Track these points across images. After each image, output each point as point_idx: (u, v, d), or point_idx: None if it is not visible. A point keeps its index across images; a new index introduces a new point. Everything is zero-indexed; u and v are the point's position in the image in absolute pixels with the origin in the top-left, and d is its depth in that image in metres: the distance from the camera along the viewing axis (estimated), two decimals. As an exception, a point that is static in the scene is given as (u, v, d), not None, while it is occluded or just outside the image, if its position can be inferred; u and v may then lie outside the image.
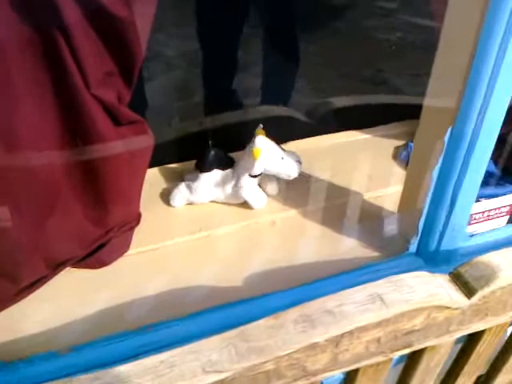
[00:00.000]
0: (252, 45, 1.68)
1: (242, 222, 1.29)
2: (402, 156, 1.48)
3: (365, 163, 1.46)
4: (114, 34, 0.95)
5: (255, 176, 1.27)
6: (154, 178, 1.40)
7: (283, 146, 1.34)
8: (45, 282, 1.11)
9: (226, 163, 1.30)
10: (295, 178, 1.30)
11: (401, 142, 1.56)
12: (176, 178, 1.38)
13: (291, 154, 1.28)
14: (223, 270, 1.17)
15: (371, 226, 1.30)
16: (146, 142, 1.11)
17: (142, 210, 1.24)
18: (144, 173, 1.16)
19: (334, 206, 1.34)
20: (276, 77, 1.73)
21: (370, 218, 1.32)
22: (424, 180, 1.14)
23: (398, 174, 1.44)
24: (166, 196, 1.34)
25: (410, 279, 0.84)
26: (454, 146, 1.02)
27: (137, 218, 1.23)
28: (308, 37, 1.83)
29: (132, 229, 1.21)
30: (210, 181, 1.29)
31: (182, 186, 1.31)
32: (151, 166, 1.35)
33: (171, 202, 1.32)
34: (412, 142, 1.48)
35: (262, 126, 1.26)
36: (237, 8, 1.55)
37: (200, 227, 1.26)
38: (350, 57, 2.05)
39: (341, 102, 1.68)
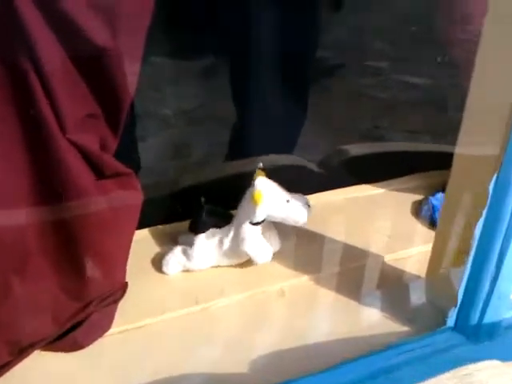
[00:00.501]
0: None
1: (245, 293, 1.10)
2: (423, 212, 1.32)
3: (382, 220, 1.30)
4: (96, 68, 0.80)
5: (257, 223, 1.10)
6: (143, 240, 1.22)
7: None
8: (7, 370, 0.90)
9: (223, 220, 1.13)
10: (306, 237, 1.13)
11: (418, 197, 1.41)
12: (169, 241, 1.20)
13: (298, 196, 1.12)
14: (224, 353, 0.97)
15: (396, 295, 1.12)
16: (133, 198, 0.93)
17: (128, 278, 1.05)
18: (131, 234, 0.98)
19: (351, 270, 1.17)
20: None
21: (394, 285, 1.15)
22: (460, 238, 0.98)
23: (421, 232, 1.29)
24: (157, 262, 1.15)
25: (480, 372, 0.65)
26: (500, 195, 0.86)
27: (122, 289, 1.03)
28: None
29: (116, 302, 1.01)
30: (207, 243, 1.12)
31: (178, 251, 1.13)
32: (141, 226, 1.18)
33: (164, 269, 1.13)
34: (432, 195, 1.33)
35: (261, 164, 1.09)
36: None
37: (196, 299, 1.07)
38: (344, 113, 1.94)
39: (346, 153, 1.53)
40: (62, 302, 0.95)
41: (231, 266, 1.16)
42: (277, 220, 1.12)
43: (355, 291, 1.11)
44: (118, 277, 1.01)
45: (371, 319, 1.06)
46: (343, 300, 1.09)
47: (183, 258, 1.12)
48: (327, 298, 1.11)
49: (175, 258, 1.12)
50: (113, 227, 0.93)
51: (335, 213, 1.33)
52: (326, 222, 1.27)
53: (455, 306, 0.97)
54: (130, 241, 0.99)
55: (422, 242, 1.23)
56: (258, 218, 1.08)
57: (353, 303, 1.09)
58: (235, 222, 1.12)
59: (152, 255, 1.18)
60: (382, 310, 1.07)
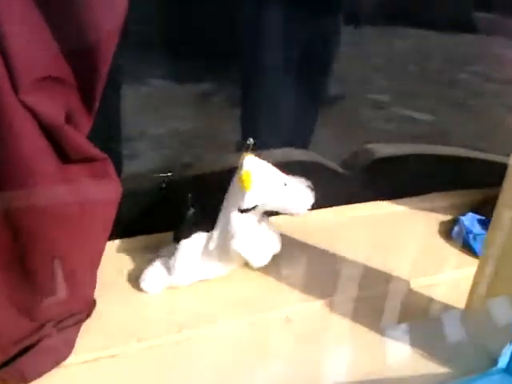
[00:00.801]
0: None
1: (241, 319, 0.89)
2: (454, 233, 1.13)
3: (407, 241, 1.11)
4: (65, 13, 0.62)
5: (247, 210, 0.88)
6: (118, 252, 1.02)
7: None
8: None
9: (212, 223, 0.92)
10: (319, 255, 0.93)
11: (445, 217, 1.22)
12: (149, 254, 0.99)
13: (296, 179, 0.91)
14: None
15: (427, 328, 0.92)
16: (108, 190, 0.74)
17: (97, 296, 0.85)
18: (104, 238, 0.79)
19: (372, 296, 0.96)
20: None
21: (424, 316, 0.94)
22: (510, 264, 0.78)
23: (452, 254, 1.10)
24: (134, 278, 0.95)
25: None
26: None
27: (88, 309, 0.83)
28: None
29: (78, 324, 0.81)
30: (192, 250, 0.91)
31: (158, 264, 0.93)
32: (116, 236, 0.98)
33: (143, 286, 0.92)
34: (463, 215, 1.15)
35: (251, 140, 0.87)
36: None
37: (180, 325, 0.86)
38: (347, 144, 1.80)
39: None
40: (10, 317, 0.75)
41: (224, 282, 0.95)
42: (272, 208, 0.91)
43: (377, 321, 0.91)
44: (83, 292, 0.81)
45: (399, 357, 0.85)
46: (362, 331, 0.89)
47: (164, 271, 0.91)
48: (343, 328, 0.90)
49: (155, 272, 0.92)
50: (79, 227, 0.73)
51: (353, 229, 1.14)
52: (342, 240, 1.08)
53: (509, 344, 0.77)
54: (102, 247, 0.79)
55: (454, 266, 1.05)
56: (247, 203, 0.87)
57: (374, 336, 0.88)
58: (222, 214, 0.91)
59: (128, 270, 0.98)
60: (412, 345, 0.87)
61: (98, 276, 0.85)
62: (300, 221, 1.11)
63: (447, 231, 1.16)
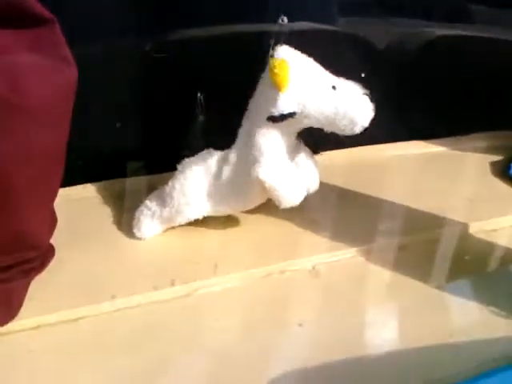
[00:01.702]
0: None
1: (254, 269, 0.66)
2: (511, 171, 0.90)
3: (458, 182, 0.89)
4: None
5: (281, 119, 0.63)
6: (94, 196, 0.79)
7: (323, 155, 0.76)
8: None
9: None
10: (352, 198, 0.70)
11: (495, 157, 0.99)
12: (133, 198, 0.77)
13: (349, 83, 0.65)
14: (217, 367, 0.54)
15: (496, 280, 0.69)
16: (58, 70, 0.51)
17: (61, 244, 0.62)
18: (61, 142, 0.55)
19: (421, 242, 0.74)
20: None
21: (488, 266, 0.72)
22: None
23: (513, 195, 0.86)
24: (128, 223, 0.72)
25: None
26: None
27: (42, 256, 0.60)
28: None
29: (27, 276, 0.58)
30: (199, 176, 0.68)
31: (151, 203, 0.70)
32: (101, 177, 0.80)
33: (136, 232, 0.70)
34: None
35: (285, 20, 0.63)
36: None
37: (173, 278, 0.63)
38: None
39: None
40: None
41: (232, 224, 0.73)
42: (316, 122, 0.64)
43: (430, 274, 0.69)
44: (32, 229, 0.57)
45: (465, 317, 0.63)
46: (412, 285, 0.67)
47: (158, 208, 0.68)
48: (385, 281, 0.68)
49: (148, 212, 0.69)
50: (15, 124, 0.50)
51: (389, 171, 0.92)
52: (378, 182, 0.86)
53: None
54: (54, 158, 0.56)
55: (518, 209, 0.82)
56: (282, 106, 0.62)
57: (426, 292, 0.66)
58: (243, 127, 0.68)
59: (103, 216, 0.75)
60: (480, 302, 0.64)
61: (62, 220, 0.63)
62: (333, 158, 0.90)
63: (501, 171, 0.94)
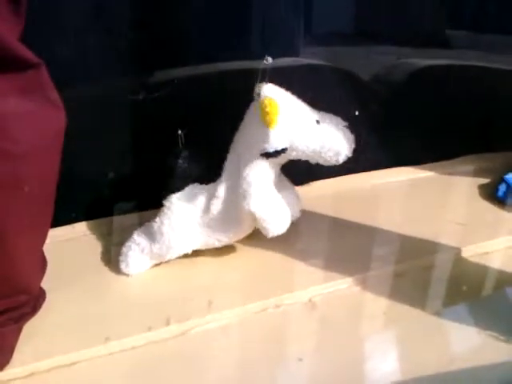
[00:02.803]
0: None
1: (249, 304, 0.65)
2: (500, 193, 0.91)
3: (447, 206, 0.90)
4: None
5: (274, 155, 0.65)
6: (80, 236, 0.79)
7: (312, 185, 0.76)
8: None
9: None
10: (344, 226, 0.70)
11: (482, 180, 1.00)
12: (119, 236, 0.76)
13: (328, 116, 0.68)
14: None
15: (493, 303, 0.69)
16: (46, 114, 0.51)
17: (52, 288, 0.61)
18: (45, 192, 0.54)
19: (416, 269, 0.74)
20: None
21: (484, 290, 0.72)
22: None
23: (504, 217, 0.88)
24: (99, 264, 0.72)
25: None
26: None
27: (33, 301, 0.58)
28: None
29: (19, 322, 0.56)
30: (185, 207, 0.68)
31: (139, 238, 0.70)
32: (92, 216, 0.79)
33: (123, 268, 0.69)
34: (508, 174, 0.94)
35: (270, 60, 0.64)
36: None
37: (168, 317, 0.62)
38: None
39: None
40: None
41: (223, 257, 0.72)
42: (301, 156, 0.67)
43: (424, 300, 0.68)
44: (23, 276, 0.56)
45: (465, 343, 0.62)
46: (410, 312, 0.66)
47: (148, 244, 0.68)
48: (382, 309, 0.67)
49: (136, 247, 0.68)
50: (5, 172, 0.50)
51: (378, 198, 0.92)
52: (367, 209, 0.86)
53: None
54: (45, 205, 0.55)
55: (509, 231, 0.82)
56: (275, 143, 0.64)
57: (424, 319, 0.65)
58: (229, 160, 0.69)
59: (92, 255, 0.74)
60: (478, 327, 0.64)
61: (52, 262, 0.62)
62: (321, 187, 0.91)
63: (490, 194, 0.94)
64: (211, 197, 0.67)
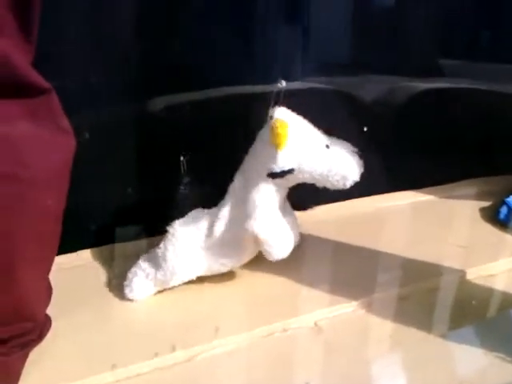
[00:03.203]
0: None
1: (256, 329, 0.65)
2: (502, 216, 0.92)
3: (448, 229, 0.90)
4: None
5: (280, 175, 0.66)
6: (86, 263, 0.79)
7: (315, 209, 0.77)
8: None
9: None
10: (347, 251, 0.71)
11: (484, 203, 1.01)
12: (124, 263, 0.76)
13: (338, 141, 0.69)
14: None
15: (499, 325, 0.69)
16: (55, 139, 0.52)
17: (57, 315, 0.61)
18: (53, 218, 0.55)
19: (419, 292, 0.75)
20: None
21: (490, 311, 0.72)
22: None
23: (506, 239, 0.89)
24: (119, 286, 0.71)
25: None
26: None
27: (39, 328, 0.58)
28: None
29: (25, 349, 0.56)
30: (188, 233, 0.69)
31: (143, 263, 0.70)
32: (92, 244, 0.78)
33: (128, 294, 0.70)
34: (509, 197, 0.95)
35: (284, 83, 0.66)
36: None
37: (174, 343, 0.62)
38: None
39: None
40: None
41: (227, 282, 0.73)
42: (308, 178, 0.67)
43: (433, 321, 0.69)
44: (29, 304, 0.56)
45: (472, 363, 0.62)
46: (416, 335, 0.66)
47: (152, 270, 0.68)
48: (388, 333, 0.67)
49: (142, 273, 0.69)
50: (14, 198, 0.50)
51: (381, 222, 0.93)
52: (370, 233, 0.87)
53: None
54: (52, 233, 0.56)
55: (511, 253, 0.83)
56: (282, 162, 0.64)
57: (430, 342, 0.65)
58: (237, 181, 0.70)
59: (97, 282, 0.74)
60: (484, 347, 0.64)
61: (57, 289, 0.62)
62: (325, 212, 0.92)
63: (491, 216, 0.95)
64: (215, 220, 0.68)
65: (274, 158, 0.64)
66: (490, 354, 0.63)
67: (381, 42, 0.98)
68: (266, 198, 0.67)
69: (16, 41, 0.50)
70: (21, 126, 0.49)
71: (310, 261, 0.79)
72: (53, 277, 0.61)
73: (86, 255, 0.81)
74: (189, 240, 0.68)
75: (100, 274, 0.76)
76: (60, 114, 0.51)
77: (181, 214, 0.71)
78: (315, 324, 0.67)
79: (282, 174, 0.65)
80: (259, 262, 0.73)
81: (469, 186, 1.08)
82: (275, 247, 0.67)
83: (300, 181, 0.68)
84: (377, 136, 0.93)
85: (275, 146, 0.63)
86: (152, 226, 0.80)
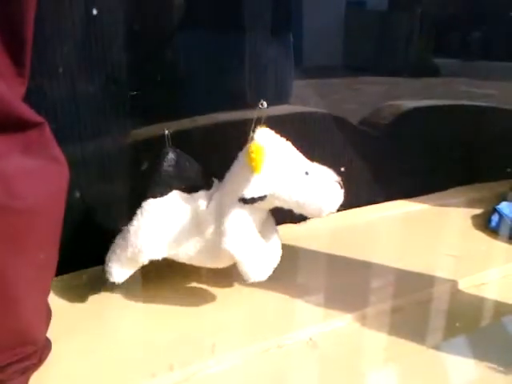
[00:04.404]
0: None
1: (252, 345, 0.66)
2: (493, 224, 0.93)
3: (441, 238, 0.91)
4: None
5: (251, 201, 0.65)
6: (80, 284, 0.79)
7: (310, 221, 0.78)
8: None
9: (197, 180, 0.70)
10: (341, 263, 0.72)
11: (475, 211, 1.02)
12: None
13: (320, 168, 0.68)
14: None
15: (494, 335, 0.70)
16: (50, 171, 0.53)
17: (56, 338, 0.62)
18: (50, 246, 0.56)
19: (412, 303, 0.76)
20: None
21: (483, 321, 0.73)
22: None
23: (497, 247, 0.90)
24: (116, 306, 0.73)
25: None
26: None
27: (39, 352, 0.60)
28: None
29: (26, 373, 0.57)
30: (163, 213, 0.69)
31: (116, 243, 0.71)
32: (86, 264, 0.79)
33: (108, 276, 0.72)
34: (500, 205, 0.96)
35: (265, 104, 0.65)
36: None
37: (171, 362, 0.63)
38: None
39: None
40: None
41: (221, 300, 0.73)
42: (283, 204, 0.67)
43: (426, 332, 0.70)
44: (29, 328, 0.57)
45: (465, 374, 0.63)
46: (409, 347, 0.67)
47: (124, 250, 0.69)
48: (382, 345, 0.68)
49: (114, 255, 0.70)
50: (13, 229, 0.52)
51: (372, 233, 0.94)
52: (362, 245, 0.88)
53: None
54: (50, 259, 0.57)
55: (504, 260, 0.84)
56: (253, 189, 0.64)
57: (424, 353, 0.66)
58: (215, 198, 0.69)
59: (92, 304, 0.75)
60: (479, 359, 0.65)
61: (54, 310, 0.63)
62: (317, 224, 0.92)
63: (483, 224, 0.96)
64: (193, 212, 0.68)
65: (247, 183, 0.64)
66: (481, 364, 0.64)
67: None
68: (242, 219, 0.66)
69: (7, 75, 0.51)
70: (13, 159, 0.50)
71: (303, 274, 0.80)
72: (50, 298, 0.62)
73: (82, 275, 0.81)
74: (160, 220, 0.68)
75: (97, 294, 0.77)
76: (53, 145, 0.53)
77: (160, 193, 0.70)
78: (310, 339, 0.68)
79: (252, 200, 0.65)
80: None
81: (459, 194, 1.10)
82: (251, 269, 0.67)
83: (276, 205, 0.68)
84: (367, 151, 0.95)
85: (251, 170, 0.63)
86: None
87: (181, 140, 0.69)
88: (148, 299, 0.74)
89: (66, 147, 0.54)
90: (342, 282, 0.79)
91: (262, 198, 0.65)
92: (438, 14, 1.13)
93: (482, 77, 1.18)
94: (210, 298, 0.74)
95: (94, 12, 0.70)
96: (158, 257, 0.70)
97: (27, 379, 0.58)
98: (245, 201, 0.65)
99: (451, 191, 1.11)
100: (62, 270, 0.76)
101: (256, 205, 0.66)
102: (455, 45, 1.18)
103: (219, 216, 0.67)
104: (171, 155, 0.68)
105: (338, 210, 0.97)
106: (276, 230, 0.75)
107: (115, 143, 0.75)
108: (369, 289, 0.77)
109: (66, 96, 0.68)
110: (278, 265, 0.75)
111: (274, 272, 0.71)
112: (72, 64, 0.69)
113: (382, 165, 1.01)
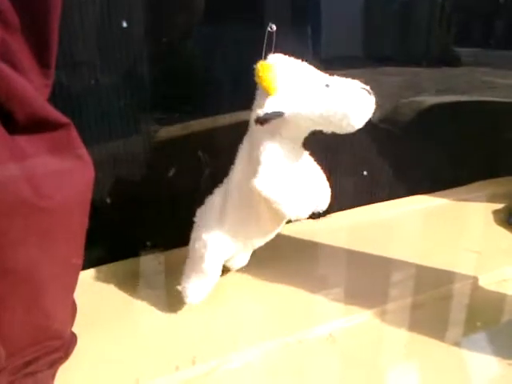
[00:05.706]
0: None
1: (272, 340, 0.67)
2: (513, 219, 0.93)
3: (462, 234, 0.90)
4: None
5: (264, 119, 0.61)
6: (116, 274, 0.81)
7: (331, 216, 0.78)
8: None
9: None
10: (361, 259, 0.72)
11: (496, 206, 1.01)
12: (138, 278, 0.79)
13: (346, 80, 0.62)
14: None
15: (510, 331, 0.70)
16: (76, 170, 0.54)
17: (82, 332, 0.64)
18: (76, 242, 0.58)
19: (433, 300, 0.76)
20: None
21: (503, 317, 0.73)
22: None
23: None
24: (144, 302, 0.74)
25: None
26: None
27: (65, 346, 0.61)
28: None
29: (54, 366, 0.59)
30: (211, 214, 0.70)
31: (188, 269, 0.72)
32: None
33: (188, 299, 0.71)
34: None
35: (274, 27, 0.63)
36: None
37: (194, 356, 0.64)
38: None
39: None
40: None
41: (243, 296, 0.74)
42: (310, 122, 0.62)
43: (446, 329, 0.70)
44: (56, 323, 0.59)
45: (487, 371, 0.64)
46: (430, 343, 0.67)
47: (195, 274, 0.71)
48: (402, 342, 0.68)
49: (188, 279, 0.71)
50: (39, 226, 0.53)
51: (392, 228, 0.94)
52: (382, 240, 0.88)
53: None
54: (76, 255, 0.58)
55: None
56: (267, 107, 0.61)
57: (447, 348, 0.67)
58: (244, 143, 0.67)
59: (116, 298, 0.76)
60: (498, 354, 0.65)
61: (81, 308, 0.65)
62: (339, 219, 0.93)
63: (505, 220, 0.96)
64: (227, 191, 0.68)
65: (263, 104, 0.62)
66: (503, 362, 0.64)
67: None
68: (271, 155, 0.63)
69: (34, 78, 0.52)
70: (41, 159, 0.51)
71: (324, 270, 0.81)
72: (76, 292, 0.64)
73: (107, 270, 0.82)
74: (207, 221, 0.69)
75: (123, 288, 0.78)
76: (79, 145, 0.54)
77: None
78: (330, 335, 0.69)
79: (266, 116, 0.61)
80: (273, 272, 0.75)
81: (481, 189, 1.08)
82: (284, 204, 0.63)
83: (304, 129, 0.64)
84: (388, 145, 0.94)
85: (265, 92, 0.61)
86: (172, 240, 0.82)
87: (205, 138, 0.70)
88: (171, 295, 0.75)
89: (91, 147, 0.56)
90: (362, 277, 0.79)
91: (277, 114, 0.61)
92: (459, 2, 1.11)
93: (506, 67, 1.16)
94: (231, 292, 0.75)
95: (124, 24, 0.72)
96: (222, 260, 0.71)
97: (54, 372, 0.59)
98: (259, 120, 0.61)
99: (472, 186, 1.10)
100: (87, 264, 0.79)
101: (284, 134, 0.63)
102: (477, 33, 1.16)
103: (248, 158, 0.66)
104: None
105: (358, 205, 0.98)
106: (316, 168, 0.71)
107: (139, 143, 0.77)
108: (389, 284, 0.77)
109: (90, 96, 0.69)
110: (299, 260, 0.76)
111: (294, 267, 0.72)
112: (96, 63, 0.70)
113: (403, 160, 1.00)
